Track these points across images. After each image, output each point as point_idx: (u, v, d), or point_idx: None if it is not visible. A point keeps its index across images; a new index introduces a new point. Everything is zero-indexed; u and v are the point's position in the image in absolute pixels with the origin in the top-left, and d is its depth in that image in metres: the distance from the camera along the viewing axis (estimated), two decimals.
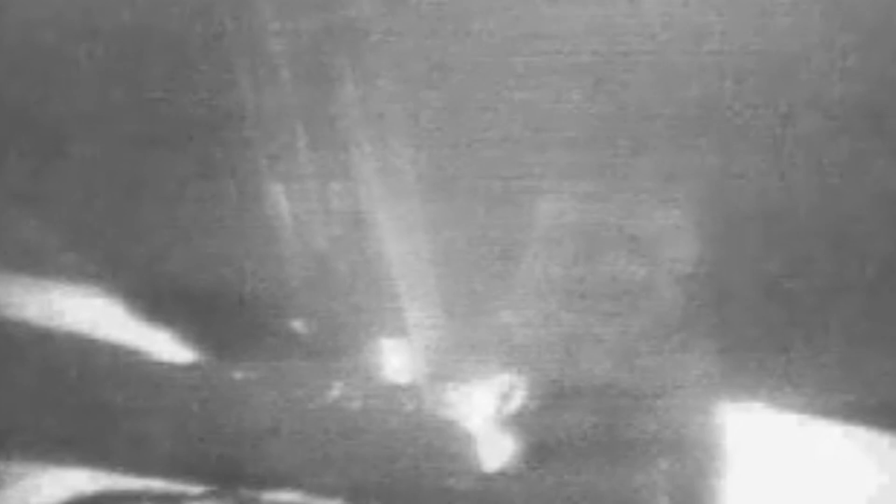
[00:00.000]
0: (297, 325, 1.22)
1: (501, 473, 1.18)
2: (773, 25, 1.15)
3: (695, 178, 1.17)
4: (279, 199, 1.22)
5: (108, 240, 1.23)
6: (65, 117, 1.22)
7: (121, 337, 1.22)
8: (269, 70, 1.20)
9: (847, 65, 1.15)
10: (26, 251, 1.23)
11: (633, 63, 1.16)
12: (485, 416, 1.19)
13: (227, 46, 1.19)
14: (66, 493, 1.19)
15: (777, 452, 1.18)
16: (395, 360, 1.22)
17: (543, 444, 1.17)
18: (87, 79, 1.22)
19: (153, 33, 1.20)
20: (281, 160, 1.21)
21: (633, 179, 1.17)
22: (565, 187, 1.17)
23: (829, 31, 1.15)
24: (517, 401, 1.18)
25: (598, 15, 1.15)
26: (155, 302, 1.23)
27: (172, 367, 1.22)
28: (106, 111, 1.22)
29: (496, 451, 1.18)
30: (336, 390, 1.19)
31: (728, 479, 1.17)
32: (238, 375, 1.21)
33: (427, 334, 1.21)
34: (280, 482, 1.19)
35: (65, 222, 1.23)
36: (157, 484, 1.19)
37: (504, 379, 1.18)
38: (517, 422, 1.18)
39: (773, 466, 1.17)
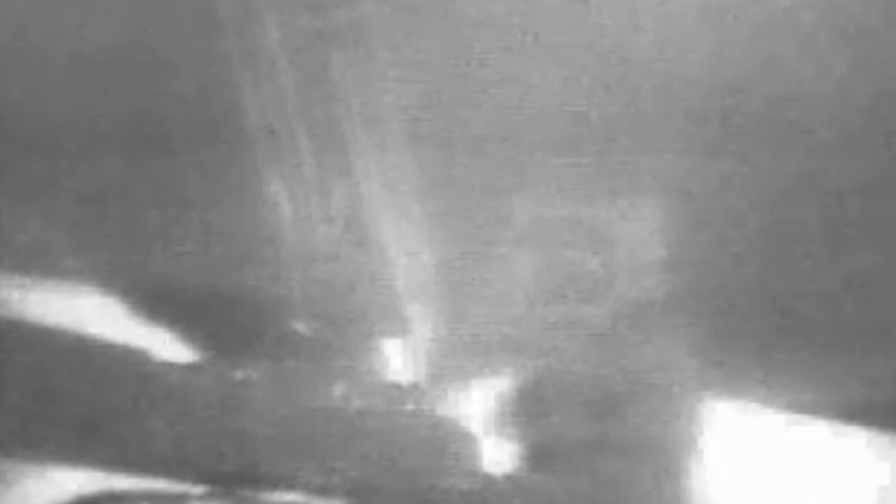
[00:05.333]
0: (298, 325, 1.22)
1: (501, 473, 1.18)
2: (770, 29, 1.15)
3: (685, 178, 1.17)
4: (279, 200, 1.22)
5: (109, 240, 1.23)
6: (64, 118, 1.22)
7: (121, 337, 1.22)
8: (269, 70, 1.20)
9: (845, 69, 1.15)
10: (26, 251, 1.23)
11: (632, 65, 1.16)
12: (485, 416, 1.19)
13: (228, 46, 1.19)
14: (66, 494, 1.19)
15: (775, 451, 1.18)
16: (395, 360, 1.22)
17: (541, 443, 1.17)
18: (84, 79, 1.22)
19: (153, 33, 1.20)
20: (281, 160, 1.21)
21: (631, 178, 1.18)
22: (567, 187, 1.17)
23: (827, 34, 1.15)
24: (516, 399, 1.18)
25: (598, 19, 1.16)
26: (155, 302, 1.23)
27: (172, 367, 1.22)
28: (105, 112, 1.22)
29: (496, 450, 1.18)
30: (336, 390, 1.19)
31: (725, 478, 1.17)
32: (238, 375, 1.21)
33: (427, 334, 1.21)
34: (280, 482, 1.19)
35: (65, 223, 1.23)
36: (157, 484, 1.19)
37: (503, 378, 1.18)
38: (516, 421, 1.18)
39: (771, 465, 1.17)
